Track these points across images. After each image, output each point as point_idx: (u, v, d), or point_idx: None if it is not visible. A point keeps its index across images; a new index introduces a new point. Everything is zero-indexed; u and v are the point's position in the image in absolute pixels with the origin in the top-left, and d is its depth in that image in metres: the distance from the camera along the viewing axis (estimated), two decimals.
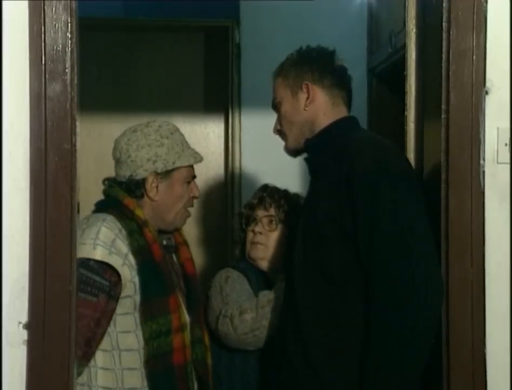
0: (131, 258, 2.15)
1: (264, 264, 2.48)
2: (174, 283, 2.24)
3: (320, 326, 1.97)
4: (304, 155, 2.21)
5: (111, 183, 2.31)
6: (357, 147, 1.99)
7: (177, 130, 2.33)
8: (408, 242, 1.86)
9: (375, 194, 1.88)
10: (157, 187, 2.26)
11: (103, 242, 2.13)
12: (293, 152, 2.21)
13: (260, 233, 2.48)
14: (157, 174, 2.25)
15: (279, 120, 2.19)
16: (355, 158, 1.93)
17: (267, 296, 2.35)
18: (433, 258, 1.89)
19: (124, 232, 2.18)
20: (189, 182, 2.31)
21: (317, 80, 2.12)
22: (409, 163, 2.13)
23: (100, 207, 2.28)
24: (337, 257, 1.94)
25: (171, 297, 2.19)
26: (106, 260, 2.12)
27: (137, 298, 2.15)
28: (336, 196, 1.93)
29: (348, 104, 2.18)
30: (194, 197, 2.34)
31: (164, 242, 2.32)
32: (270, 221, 2.48)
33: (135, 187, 2.26)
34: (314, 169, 2.15)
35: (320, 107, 2.11)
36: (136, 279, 2.15)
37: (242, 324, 2.32)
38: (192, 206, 2.36)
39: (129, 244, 2.17)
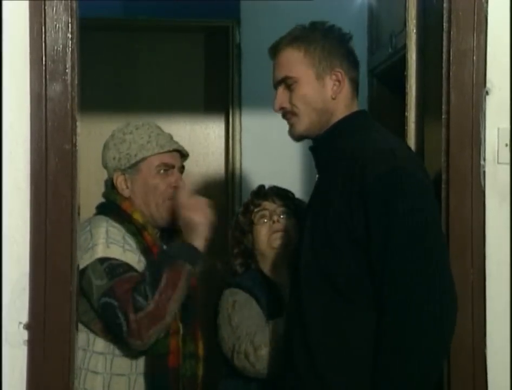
0: (142, 256, 2.17)
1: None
2: None
3: (327, 336, 1.90)
4: (308, 142, 2.08)
5: (109, 186, 2.32)
6: (371, 151, 1.87)
7: (147, 125, 2.30)
8: (424, 254, 1.78)
9: (390, 204, 1.79)
10: (126, 183, 2.26)
11: (115, 240, 2.14)
12: (300, 138, 2.04)
13: (278, 221, 2.43)
14: (122, 170, 2.25)
15: (292, 100, 1.97)
16: (369, 166, 1.82)
17: (278, 325, 2.26)
18: (449, 270, 1.82)
19: (128, 233, 2.19)
20: (165, 171, 2.26)
21: (346, 70, 1.97)
22: (422, 165, 2.02)
23: (101, 211, 2.28)
24: (347, 266, 1.85)
25: None
26: (122, 258, 2.11)
27: None
28: (349, 204, 1.83)
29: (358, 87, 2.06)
30: (176, 187, 2.26)
31: (165, 247, 2.31)
32: (283, 212, 2.46)
33: (112, 188, 2.28)
34: (323, 164, 2.03)
35: (344, 99, 1.97)
36: None
37: (259, 360, 2.25)
38: None
39: (136, 243, 2.18)
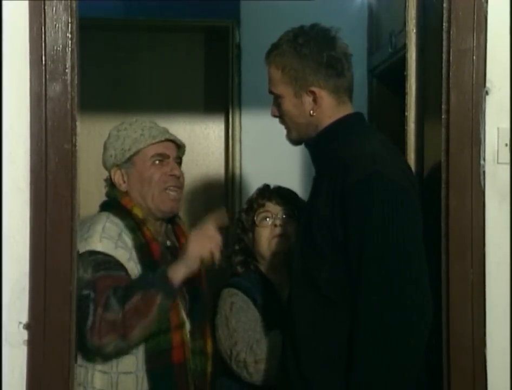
0: (135, 254, 2.17)
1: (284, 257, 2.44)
2: None
3: (312, 338, 1.92)
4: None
5: (109, 184, 2.33)
6: (353, 155, 1.90)
7: (140, 120, 2.32)
8: (397, 266, 1.80)
9: (365, 209, 1.81)
10: (123, 178, 2.28)
11: (109, 236, 2.15)
12: (296, 143, 2.11)
13: (280, 225, 2.44)
14: (118, 166, 2.27)
15: (279, 112, 2.06)
16: (349, 170, 1.86)
17: (278, 339, 2.25)
18: (422, 283, 1.83)
19: (127, 229, 2.20)
20: (160, 162, 2.27)
21: (323, 85, 1.98)
22: (409, 170, 2.05)
23: (103, 208, 2.31)
24: (329, 268, 1.88)
25: None
26: (112, 253, 2.12)
27: None
28: (331, 207, 1.87)
29: (350, 90, 2.05)
30: (172, 175, 2.27)
31: (168, 243, 2.32)
32: (285, 215, 2.45)
33: (112, 186, 2.30)
34: (316, 166, 2.07)
35: (326, 111, 2.00)
36: None
37: (258, 373, 2.26)
38: (175, 187, 2.29)
39: (133, 239, 2.19)
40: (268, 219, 2.45)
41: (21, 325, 1.84)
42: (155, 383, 2.15)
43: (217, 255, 2.15)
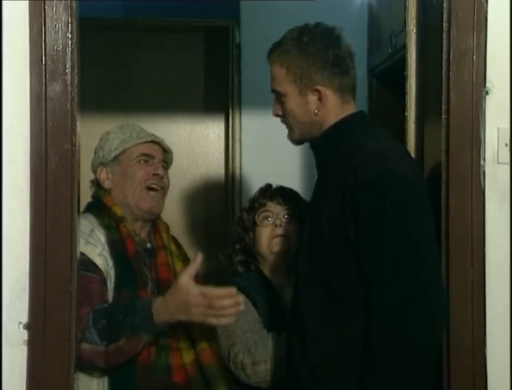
0: (107, 250, 2.19)
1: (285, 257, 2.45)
2: (145, 280, 2.23)
3: (324, 338, 1.91)
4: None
5: (95, 184, 2.37)
6: (363, 153, 1.89)
7: (131, 125, 2.36)
8: (411, 263, 1.79)
9: (378, 208, 1.81)
10: (107, 175, 2.31)
11: (81, 232, 2.15)
12: (297, 142, 2.10)
13: (281, 225, 2.44)
14: (104, 164, 2.31)
15: (283, 111, 2.04)
16: (360, 168, 1.85)
17: (280, 340, 2.25)
18: (437, 277, 1.84)
19: (101, 227, 2.22)
20: (146, 162, 2.30)
21: (328, 84, 1.98)
22: (416, 168, 2.03)
23: (86, 208, 2.33)
24: (341, 268, 1.87)
25: (140, 292, 2.18)
26: (81, 249, 2.12)
27: (111, 292, 2.17)
28: (341, 206, 1.86)
29: (354, 89, 2.05)
30: (155, 175, 2.29)
31: (149, 245, 2.32)
32: (287, 216, 2.46)
33: (98, 186, 2.33)
34: (320, 165, 2.07)
35: (330, 110, 2.00)
36: (112, 272, 2.17)
37: (256, 375, 2.26)
38: (157, 186, 2.29)
39: (106, 236, 2.21)
40: (269, 218, 2.45)
41: (21, 325, 1.84)
42: (114, 379, 2.13)
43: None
